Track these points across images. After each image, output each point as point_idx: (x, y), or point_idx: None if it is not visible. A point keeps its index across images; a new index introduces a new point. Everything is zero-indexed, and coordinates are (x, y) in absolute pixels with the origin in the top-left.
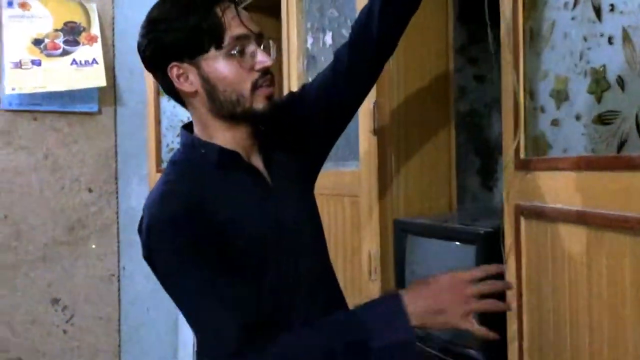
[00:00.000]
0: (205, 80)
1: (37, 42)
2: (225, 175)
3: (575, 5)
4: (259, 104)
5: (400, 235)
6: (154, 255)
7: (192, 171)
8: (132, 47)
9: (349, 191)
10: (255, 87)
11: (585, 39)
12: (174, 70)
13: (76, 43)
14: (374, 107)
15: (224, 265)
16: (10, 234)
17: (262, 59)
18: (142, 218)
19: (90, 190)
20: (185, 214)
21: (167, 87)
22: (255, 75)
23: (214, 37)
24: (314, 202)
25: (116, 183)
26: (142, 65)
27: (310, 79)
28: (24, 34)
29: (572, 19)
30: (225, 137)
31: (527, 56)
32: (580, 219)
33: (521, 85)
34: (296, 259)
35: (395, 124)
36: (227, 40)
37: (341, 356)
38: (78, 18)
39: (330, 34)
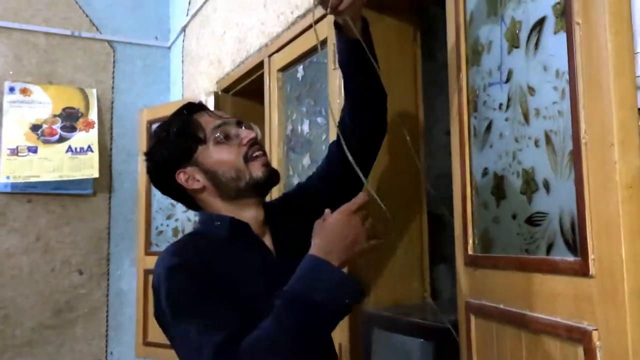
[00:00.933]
0: (207, 172)
1: (35, 127)
2: (235, 244)
3: (508, 107)
4: (258, 172)
5: (367, 328)
6: (162, 298)
7: (204, 238)
8: (129, 131)
9: None
10: (247, 158)
11: (516, 140)
12: (180, 176)
13: (73, 129)
14: None
15: (223, 312)
16: None
17: (245, 133)
18: (154, 276)
19: (80, 273)
20: (194, 264)
21: (178, 193)
22: (244, 148)
23: (197, 136)
24: None
25: (108, 265)
26: (137, 148)
27: (289, 164)
28: (23, 120)
29: (506, 120)
30: (238, 217)
31: (472, 153)
32: (518, 321)
33: (468, 181)
34: None
35: None
36: (208, 133)
37: (298, 327)
38: (77, 103)
39: (308, 122)
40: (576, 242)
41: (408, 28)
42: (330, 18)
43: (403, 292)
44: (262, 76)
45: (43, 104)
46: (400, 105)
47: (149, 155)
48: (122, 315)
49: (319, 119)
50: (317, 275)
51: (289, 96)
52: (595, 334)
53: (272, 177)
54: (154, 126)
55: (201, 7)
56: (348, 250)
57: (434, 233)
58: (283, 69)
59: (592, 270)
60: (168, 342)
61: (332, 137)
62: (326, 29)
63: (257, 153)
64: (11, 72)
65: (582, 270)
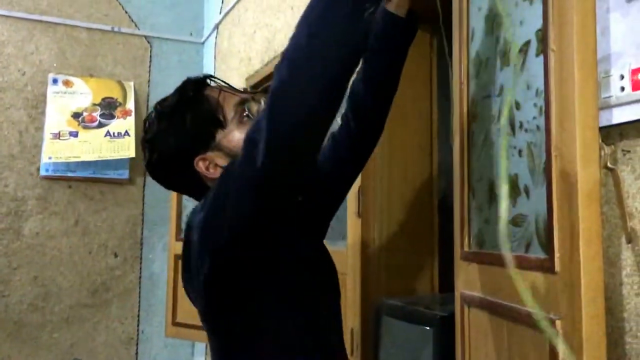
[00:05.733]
0: (233, 156)
1: (76, 115)
2: None
3: (499, 118)
4: None
5: (377, 315)
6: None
7: None
8: None
9: (338, 269)
10: None
11: (505, 150)
12: (200, 165)
13: (112, 116)
14: (359, 191)
15: None
16: (39, 294)
17: None
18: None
19: (116, 255)
20: None
21: (190, 184)
22: None
23: (217, 118)
24: None
25: (141, 249)
26: None
27: None
28: (65, 108)
29: (498, 130)
30: None
31: (470, 159)
32: (502, 311)
33: (466, 185)
34: None
35: (378, 207)
36: (228, 112)
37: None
38: (116, 94)
39: None
40: (546, 242)
41: (424, 35)
42: None
43: (413, 284)
44: None
45: (84, 94)
46: (415, 106)
47: (152, 144)
48: (153, 297)
49: (337, 117)
50: None
51: None
52: (558, 323)
53: None
54: None
55: (233, 6)
56: None
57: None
58: None
59: (557, 267)
60: (195, 323)
61: None
62: None
63: None
64: (55, 65)
65: (549, 267)
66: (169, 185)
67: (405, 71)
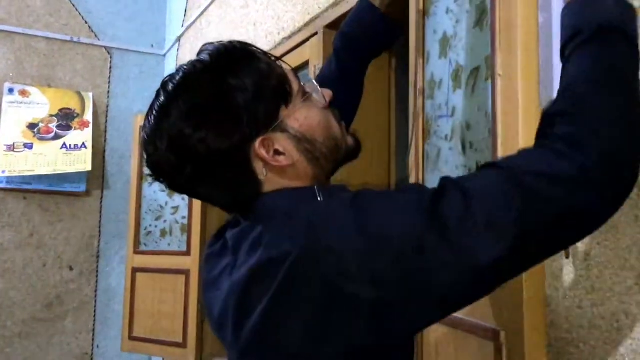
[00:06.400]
0: (300, 140)
1: (32, 126)
2: None
3: (452, 137)
4: (350, 139)
5: None
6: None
7: None
8: (122, 134)
9: None
10: (339, 123)
11: (456, 167)
12: (262, 150)
13: (68, 128)
14: None
15: None
16: None
17: (326, 91)
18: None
19: (71, 269)
20: None
21: (237, 185)
22: (332, 111)
23: (286, 87)
24: None
25: (97, 262)
26: (130, 151)
27: None
28: (21, 119)
29: (450, 149)
30: None
31: (425, 175)
32: (452, 323)
33: None
34: None
35: None
36: (295, 85)
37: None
38: (74, 105)
39: None
40: None
41: (383, 54)
42: (313, 41)
43: None
44: None
45: (41, 105)
46: (373, 123)
47: (187, 122)
48: (109, 311)
49: None
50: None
51: None
52: (502, 334)
53: (360, 146)
54: None
55: (196, 19)
56: None
57: None
58: None
59: None
60: (152, 337)
61: None
62: (308, 52)
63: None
64: (11, 75)
65: None
66: (192, 188)
67: (365, 89)
